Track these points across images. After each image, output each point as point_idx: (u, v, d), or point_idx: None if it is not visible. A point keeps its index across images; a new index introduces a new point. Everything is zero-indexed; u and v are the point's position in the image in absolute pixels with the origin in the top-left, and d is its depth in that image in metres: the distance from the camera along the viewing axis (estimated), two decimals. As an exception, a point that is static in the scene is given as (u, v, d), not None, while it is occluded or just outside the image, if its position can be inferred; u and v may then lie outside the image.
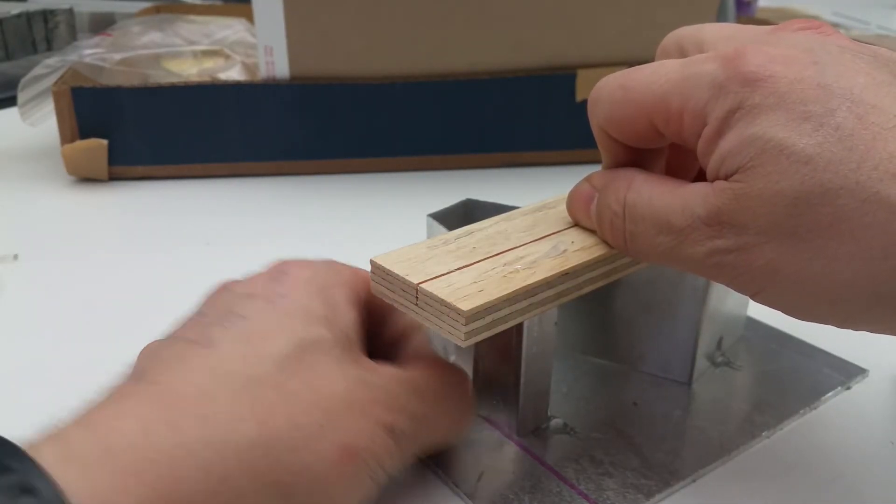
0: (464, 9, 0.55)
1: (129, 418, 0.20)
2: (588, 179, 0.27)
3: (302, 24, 0.54)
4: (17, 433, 0.19)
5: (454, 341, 0.23)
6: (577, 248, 0.26)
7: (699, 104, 0.22)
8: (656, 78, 0.24)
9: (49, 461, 0.18)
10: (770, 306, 0.23)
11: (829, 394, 0.32)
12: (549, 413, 0.30)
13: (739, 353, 0.35)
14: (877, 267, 0.20)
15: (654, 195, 0.24)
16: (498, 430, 0.30)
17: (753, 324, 0.37)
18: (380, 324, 0.28)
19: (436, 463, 0.28)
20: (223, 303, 0.25)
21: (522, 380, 0.28)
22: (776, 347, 0.35)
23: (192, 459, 0.20)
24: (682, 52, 0.26)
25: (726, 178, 0.22)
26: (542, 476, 0.27)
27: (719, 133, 0.22)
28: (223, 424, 0.20)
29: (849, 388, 0.33)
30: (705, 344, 0.33)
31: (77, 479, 0.18)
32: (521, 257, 0.26)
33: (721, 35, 0.25)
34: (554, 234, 0.27)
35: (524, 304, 0.24)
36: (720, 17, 0.54)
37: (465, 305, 0.23)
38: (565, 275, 0.25)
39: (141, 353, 0.24)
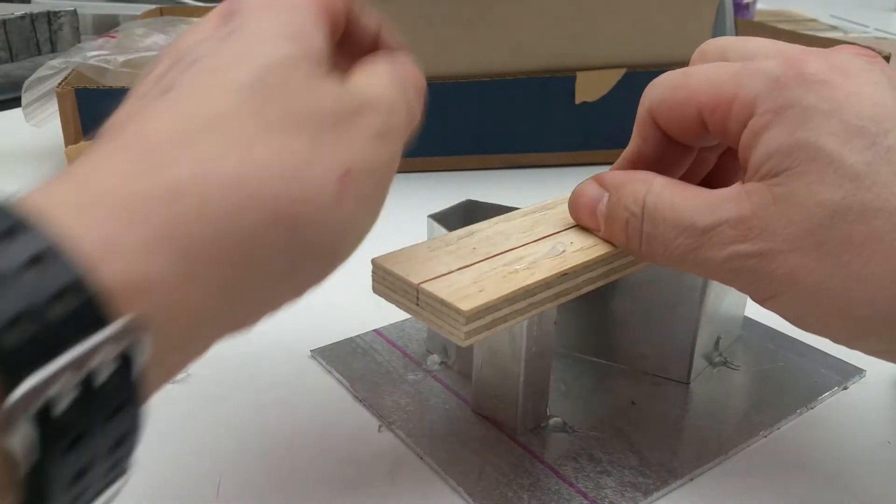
0: (464, 11, 0.55)
1: (104, 170, 0.18)
2: (597, 179, 0.27)
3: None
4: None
5: (454, 341, 0.24)
6: (576, 249, 0.27)
7: (751, 93, 0.23)
8: (717, 70, 0.24)
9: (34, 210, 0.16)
10: (777, 313, 0.23)
11: (827, 394, 0.33)
12: (548, 412, 0.31)
13: (737, 353, 0.35)
14: None
15: (675, 197, 0.24)
16: (497, 429, 0.30)
17: (751, 324, 0.37)
18: (345, 37, 0.25)
19: (436, 462, 0.28)
20: (172, 55, 0.22)
21: (522, 379, 0.29)
22: (774, 347, 0.36)
23: (184, 198, 0.17)
24: (725, 60, 0.26)
25: (767, 178, 0.22)
26: (540, 474, 0.28)
27: (766, 125, 0.22)
28: (205, 163, 0.18)
29: (846, 388, 0.33)
30: (703, 344, 0.33)
31: (72, 225, 0.16)
32: (521, 258, 0.26)
33: (773, 47, 0.25)
34: (553, 234, 0.28)
35: (524, 303, 0.25)
36: (718, 19, 0.54)
37: (466, 305, 0.23)
38: (564, 275, 0.25)
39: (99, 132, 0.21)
